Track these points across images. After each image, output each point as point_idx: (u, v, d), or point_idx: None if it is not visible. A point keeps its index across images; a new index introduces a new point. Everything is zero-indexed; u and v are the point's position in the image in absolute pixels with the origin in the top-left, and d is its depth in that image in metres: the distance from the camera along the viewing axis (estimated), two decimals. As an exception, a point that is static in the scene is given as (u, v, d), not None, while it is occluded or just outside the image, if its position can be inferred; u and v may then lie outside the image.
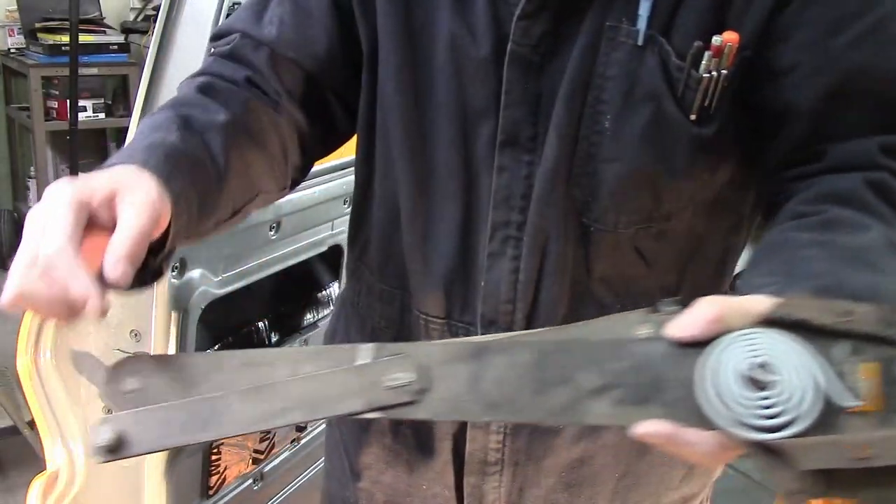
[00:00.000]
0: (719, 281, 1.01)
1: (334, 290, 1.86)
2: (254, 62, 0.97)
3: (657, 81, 0.86)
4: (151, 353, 0.85)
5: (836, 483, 0.60)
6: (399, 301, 1.03)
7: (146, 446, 0.68)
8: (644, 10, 0.85)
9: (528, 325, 0.96)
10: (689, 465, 1.05)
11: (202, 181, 0.81)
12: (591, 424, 0.67)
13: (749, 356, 0.61)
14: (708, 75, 0.84)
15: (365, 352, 0.69)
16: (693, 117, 0.87)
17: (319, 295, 1.87)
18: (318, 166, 1.66)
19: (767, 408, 0.60)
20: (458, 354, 0.68)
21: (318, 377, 0.68)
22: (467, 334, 0.97)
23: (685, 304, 0.70)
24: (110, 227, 0.69)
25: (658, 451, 0.99)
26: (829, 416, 0.60)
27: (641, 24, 0.85)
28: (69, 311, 0.65)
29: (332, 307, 1.80)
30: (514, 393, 0.66)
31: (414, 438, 1.05)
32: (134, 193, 0.69)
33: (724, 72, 0.84)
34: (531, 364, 0.66)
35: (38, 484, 1.26)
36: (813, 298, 0.63)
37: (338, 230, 1.68)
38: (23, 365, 1.22)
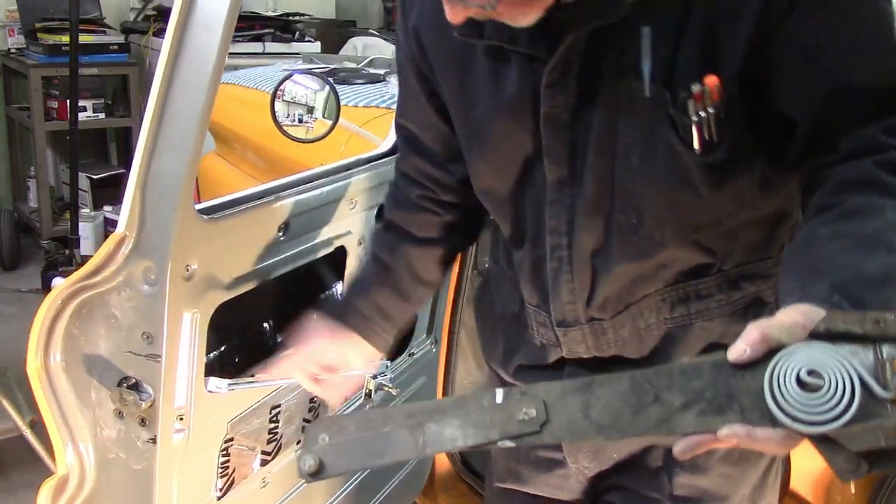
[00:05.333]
0: (770, 244, 1.21)
1: (337, 290, 1.85)
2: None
3: (664, 126, 1.04)
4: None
5: (882, 460, 0.75)
6: (518, 289, 1.30)
7: (339, 469, 0.88)
8: (646, 68, 1.02)
9: (589, 318, 1.20)
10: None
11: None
12: (682, 433, 0.81)
13: (800, 367, 0.75)
14: (696, 118, 1.01)
15: (499, 394, 0.85)
16: (697, 150, 1.04)
17: (323, 296, 1.86)
18: (323, 167, 1.67)
19: (819, 406, 0.74)
20: (571, 389, 0.84)
21: (464, 415, 0.86)
22: (550, 320, 1.23)
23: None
24: None
25: None
26: (871, 407, 0.73)
27: (646, 79, 1.02)
28: None
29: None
30: (618, 415, 0.82)
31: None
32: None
33: (711, 110, 1.01)
34: (628, 391, 0.82)
35: (47, 488, 1.25)
36: (850, 313, 0.77)
37: (344, 231, 1.67)
38: (33, 367, 1.21)
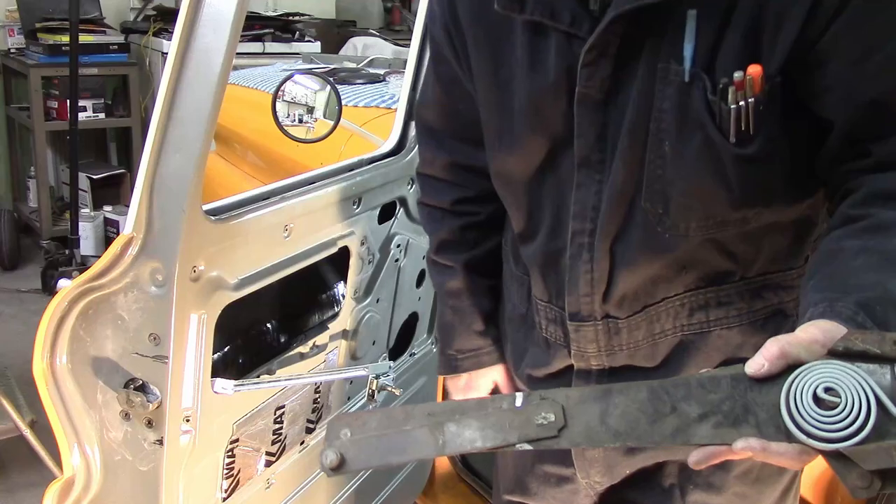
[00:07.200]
0: (794, 254, 1.19)
1: (340, 290, 1.85)
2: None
3: (702, 111, 1.02)
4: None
5: (894, 479, 0.75)
6: (526, 287, 1.30)
7: (359, 465, 0.89)
8: (688, 51, 1.00)
9: (604, 314, 1.18)
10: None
11: None
12: (697, 444, 0.83)
13: (818, 384, 0.77)
14: (736, 106, 0.99)
15: (519, 398, 0.87)
16: (733, 140, 1.01)
17: (324, 296, 1.87)
18: (326, 167, 1.67)
19: (835, 423, 0.75)
20: (590, 396, 0.86)
21: (484, 417, 0.87)
22: (562, 316, 1.21)
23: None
24: None
25: None
26: (886, 427, 0.74)
27: (686, 63, 1.01)
28: None
29: (337, 308, 1.81)
30: (635, 423, 0.84)
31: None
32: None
33: (751, 100, 0.98)
34: (645, 400, 0.84)
35: (53, 490, 1.24)
36: (869, 333, 0.78)
37: (347, 231, 1.67)
38: (39, 369, 1.21)
